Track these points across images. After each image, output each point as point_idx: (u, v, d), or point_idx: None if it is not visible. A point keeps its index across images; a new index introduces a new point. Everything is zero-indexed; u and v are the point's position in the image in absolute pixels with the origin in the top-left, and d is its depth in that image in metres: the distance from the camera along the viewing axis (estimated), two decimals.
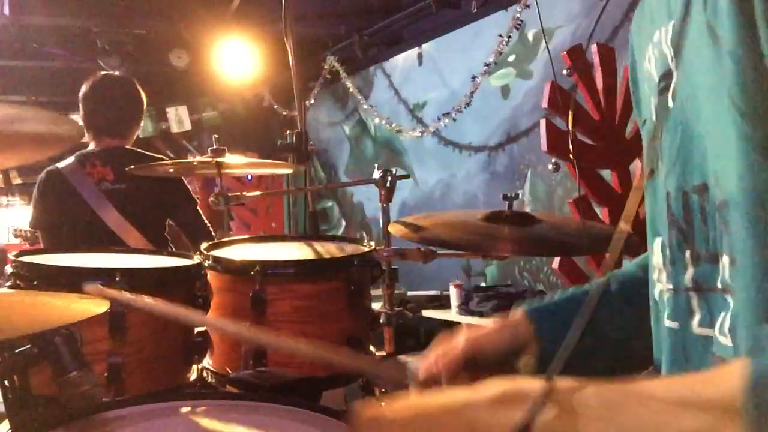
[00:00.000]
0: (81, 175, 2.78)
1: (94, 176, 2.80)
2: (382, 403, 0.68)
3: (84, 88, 2.95)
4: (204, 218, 2.96)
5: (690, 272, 0.76)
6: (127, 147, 2.95)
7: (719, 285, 0.71)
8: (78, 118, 2.95)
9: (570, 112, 2.61)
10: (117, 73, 3.10)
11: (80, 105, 2.94)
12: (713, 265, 0.72)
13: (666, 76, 0.80)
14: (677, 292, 0.79)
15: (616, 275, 1.05)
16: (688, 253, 0.76)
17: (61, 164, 2.81)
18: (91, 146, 2.92)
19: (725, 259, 0.70)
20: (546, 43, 4.14)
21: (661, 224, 0.82)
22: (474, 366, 0.98)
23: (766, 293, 0.65)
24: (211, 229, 2.92)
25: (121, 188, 2.79)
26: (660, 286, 0.84)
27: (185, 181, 2.98)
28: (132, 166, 2.49)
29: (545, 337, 1.00)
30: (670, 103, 0.79)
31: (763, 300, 0.65)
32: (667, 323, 0.81)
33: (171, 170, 2.67)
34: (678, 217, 0.78)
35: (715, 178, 0.71)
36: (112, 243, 2.67)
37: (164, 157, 3.02)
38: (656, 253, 0.84)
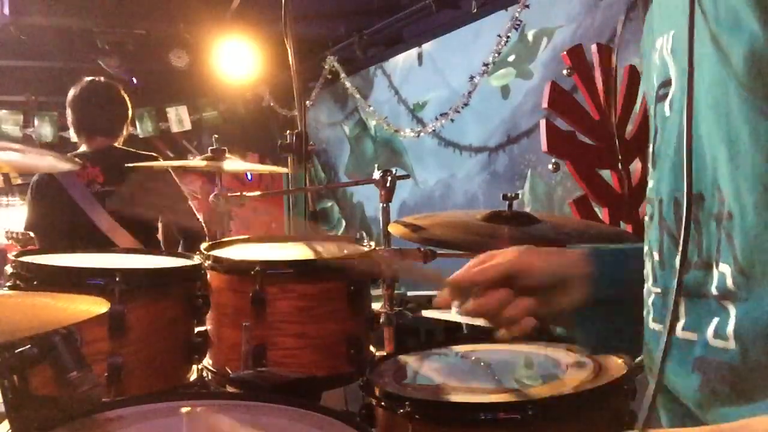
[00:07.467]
0: (71, 177, 2.80)
1: (84, 177, 2.81)
2: None
3: (71, 93, 3.03)
4: (197, 216, 2.94)
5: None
6: (117, 146, 2.98)
7: (714, 292, 0.71)
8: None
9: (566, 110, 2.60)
10: (102, 78, 3.16)
11: (69, 109, 3.02)
12: (705, 273, 0.72)
13: (665, 84, 0.80)
14: (666, 296, 0.79)
15: None
16: (678, 259, 0.76)
17: None
18: (82, 147, 2.96)
19: (724, 268, 0.69)
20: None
21: (654, 228, 0.82)
22: (515, 284, 0.99)
23: None
24: (204, 228, 2.90)
25: (111, 191, 2.80)
26: (646, 286, 0.84)
27: (176, 180, 2.98)
28: (132, 166, 2.50)
29: (602, 278, 0.99)
30: (667, 112, 0.79)
31: None
32: (652, 325, 0.82)
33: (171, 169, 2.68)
34: (669, 223, 0.78)
35: (715, 189, 0.70)
36: (104, 245, 2.66)
37: (155, 154, 3.05)
38: (647, 255, 0.84)
